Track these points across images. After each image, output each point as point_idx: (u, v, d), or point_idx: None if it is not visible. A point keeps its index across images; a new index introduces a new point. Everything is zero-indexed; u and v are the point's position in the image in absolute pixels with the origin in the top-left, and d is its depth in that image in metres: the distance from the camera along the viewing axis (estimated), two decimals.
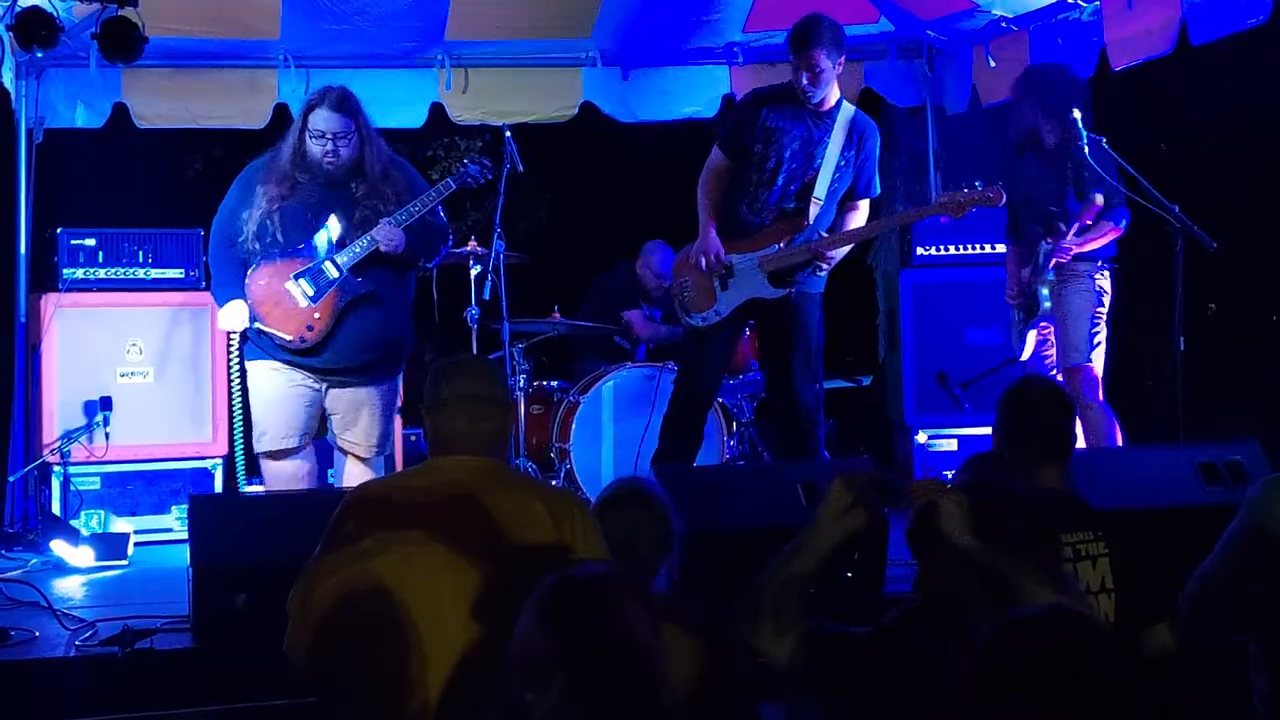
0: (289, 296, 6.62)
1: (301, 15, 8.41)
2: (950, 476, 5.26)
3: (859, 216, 7.16)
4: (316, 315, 6.62)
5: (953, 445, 8.69)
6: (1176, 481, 5.79)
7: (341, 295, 6.66)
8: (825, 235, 7.01)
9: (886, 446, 9.17)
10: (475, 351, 8.32)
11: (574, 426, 8.22)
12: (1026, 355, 7.35)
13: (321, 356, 6.71)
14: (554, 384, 8.82)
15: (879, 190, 7.28)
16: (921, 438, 8.77)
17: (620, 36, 9.09)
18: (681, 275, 7.27)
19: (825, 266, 7.01)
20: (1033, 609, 2.93)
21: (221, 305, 6.79)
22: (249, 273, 6.67)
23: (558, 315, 9.01)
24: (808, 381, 7.10)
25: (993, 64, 8.72)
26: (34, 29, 6.21)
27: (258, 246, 6.66)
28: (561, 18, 8.88)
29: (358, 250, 6.62)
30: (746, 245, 7.05)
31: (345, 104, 6.67)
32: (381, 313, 6.80)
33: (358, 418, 6.86)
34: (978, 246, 8.73)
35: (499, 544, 3.62)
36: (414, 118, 9.22)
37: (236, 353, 6.91)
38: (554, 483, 8.34)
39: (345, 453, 6.95)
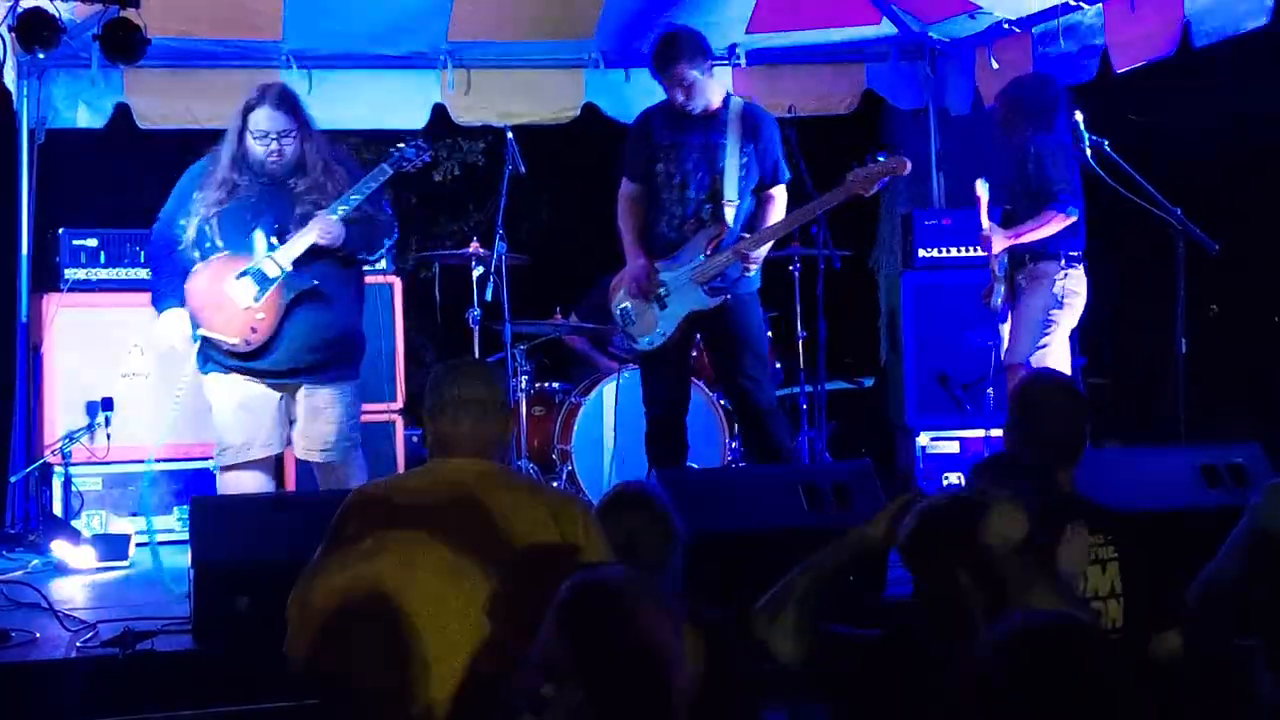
0: (229, 299, 6.39)
1: (304, 16, 8.41)
2: (960, 481, 5.24)
3: (777, 207, 7.15)
4: (260, 316, 6.39)
5: (954, 447, 8.69)
6: (1178, 483, 5.79)
7: (285, 292, 6.43)
8: (747, 236, 7.02)
9: (888, 448, 9.18)
10: (477, 353, 8.33)
11: (576, 428, 8.22)
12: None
13: (270, 358, 6.48)
14: (556, 385, 8.82)
15: (789, 175, 7.24)
16: (923, 440, 8.77)
17: (622, 38, 9.09)
18: (620, 303, 7.27)
19: (752, 268, 7.04)
20: (1036, 615, 2.93)
21: (159, 315, 6.57)
22: (189, 278, 6.48)
23: (559, 317, 9.01)
24: (762, 378, 7.14)
25: (995, 66, 8.72)
26: (35, 30, 6.20)
27: (196, 253, 6.46)
28: (564, 19, 8.89)
29: (297, 246, 6.41)
30: (674, 263, 7.08)
31: (286, 101, 6.50)
32: (329, 310, 6.57)
33: (314, 420, 6.63)
34: (980, 249, 8.72)
35: (502, 546, 3.62)
36: (416, 119, 9.19)
37: (192, 366, 6.64)
38: (555, 484, 8.34)
39: (303, 460, 6.84)
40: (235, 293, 6.39)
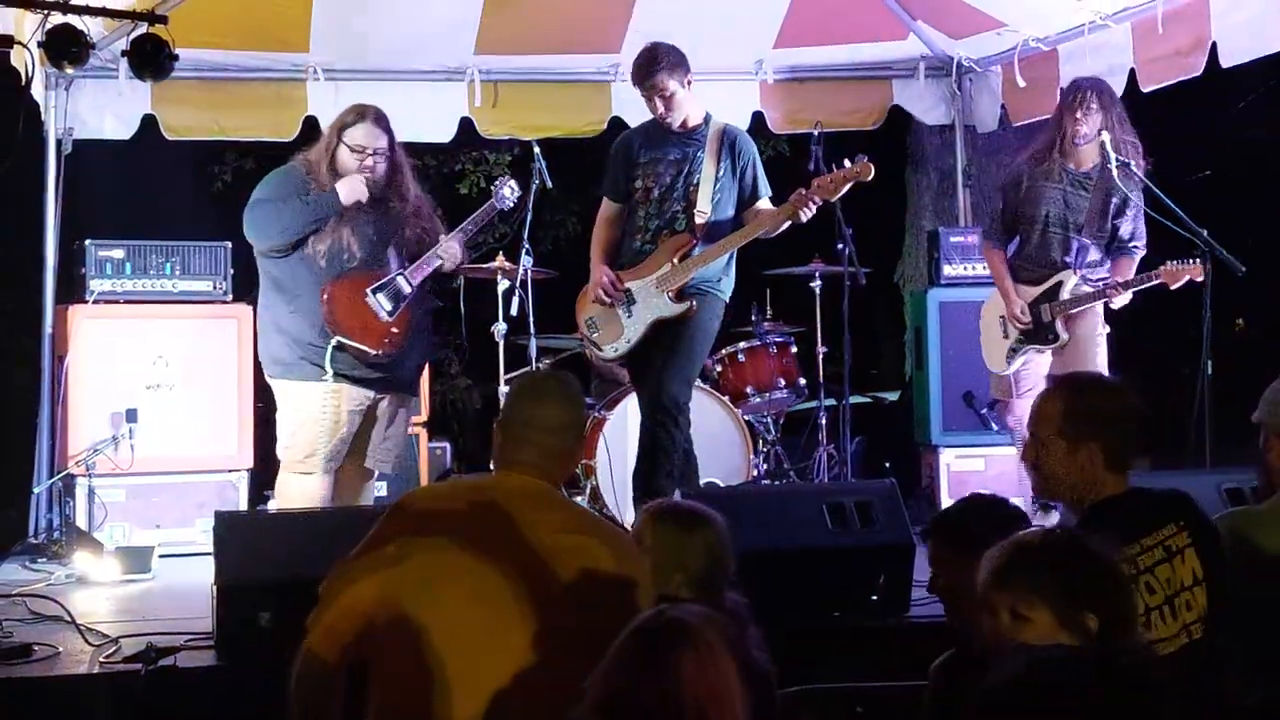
0: (369, 311, 6.65)
1: (332, 30, 8.43)
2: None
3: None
4: (394, 330, 6.68)
5: (980, 465, 8.66)
6: (1204, 506, 5.72)
7: (414, 310, 6.76)
8: (709, 247, 7.03)
9: (913, 465, 9.14)
10: (501, 369, 8.35)
11: (599, 442, 8.20)
12: (1010, 370, 7.34)
13: (398, 371, 6.83)
14: None
15: (769, 190, 7.24)
16: (947, 457, 8.73)
17: None
18: (587, 314, 7.32)
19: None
20: (1040, 649, 2.93)
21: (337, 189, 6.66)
22: (326, 285, 6.64)
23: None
24: (676, 378, 7.06)
25: (1022, 83, 8.70)
26: (65, 47, 6.19)
27: (324, 264, 6.64)
28: (591, 34, 8.89)
29: (426, 267, 6.74)
30: (641, 271, 7.10)
31: (382, 120, 6.76)
32: (428, 329, 6.99)
33: (395, 428, 6.96)
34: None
35: (540, 569, 3.52)
36: (443, 132, 9.24)
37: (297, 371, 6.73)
38: (578, 499, 8.32)
39: (370, 470, 6.99)
40: (373, 306, 6.65)
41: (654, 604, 3.32)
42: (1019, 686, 2.69)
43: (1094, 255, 7.28)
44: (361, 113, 6.76)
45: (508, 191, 7.17)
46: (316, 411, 6.68)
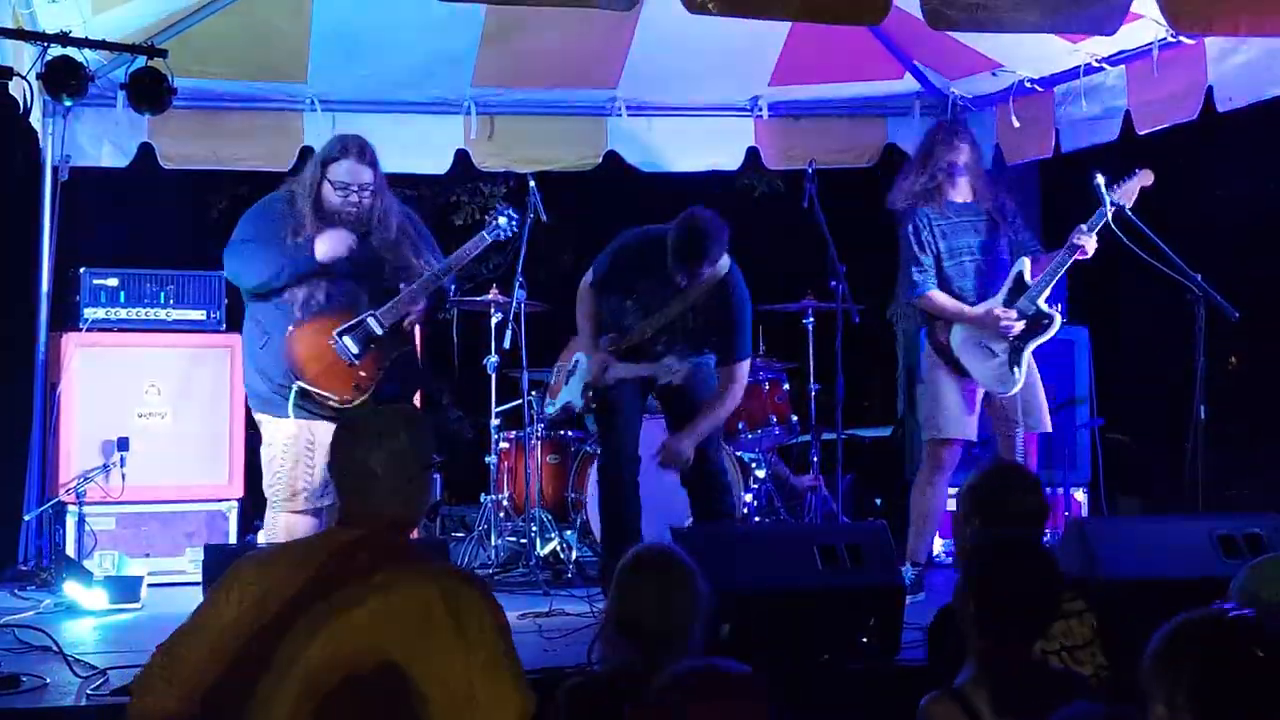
0: (331, 354, 6.57)
1: (329, 60, 8.43)
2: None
3: (721, 400, 7.25)
4: (363, 373, 6.58)
5: None
6: (1194, 552, 5.74)
7: (387, 350, 6.66)
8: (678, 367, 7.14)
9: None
10: (494, 401, 8.34)
11: (590, 477, 8.19)
12: (1020, 380, 7.28)
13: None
14: (570, 434, 8.80)
15: (749, 352, 7.35)
16: None
17: (646, 87, 9.12)
18: (574, 364, 7.70)
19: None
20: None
21: (322, 240, 6.59)
22: (291, 328, 6.58)
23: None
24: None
25: (1016, 124, 8.71)
26: (63, 79, 6.22)
27: (298, 308, 6.60)
28: (588, 68, 8.90)
29: (396, 308, 6.63)
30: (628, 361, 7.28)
31: (366, 155, 6.68)
32: (412, 361, 6.94)
33: None
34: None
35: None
36: (439, 163, 9.24)
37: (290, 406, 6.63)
38: (569, 533, 8.32)
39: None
40: (340, 349, 6.57)
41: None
42: None
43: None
44: (345, 147, 6.68)
45: (504, 221, 7.06)
46: (295, 447, 6.60)
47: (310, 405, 6.58)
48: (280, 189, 6.89)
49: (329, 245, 6.55)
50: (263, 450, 6.75)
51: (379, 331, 6.60)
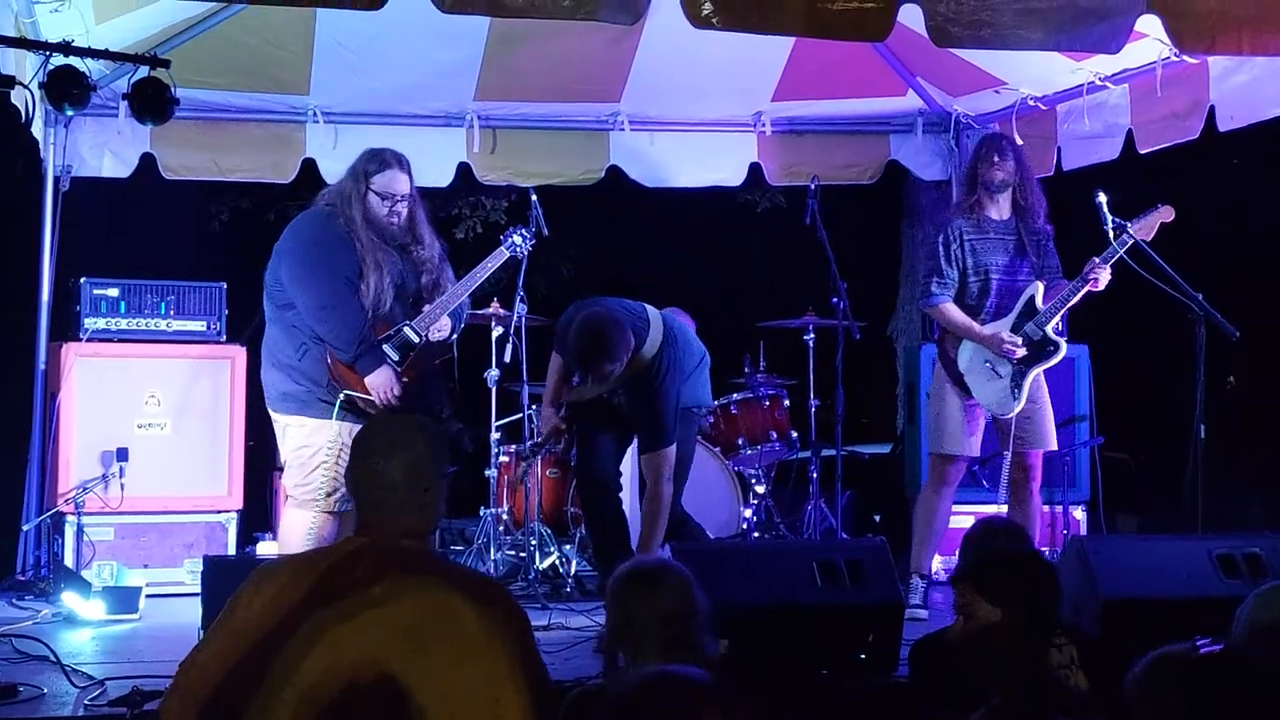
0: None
1: (332, 73, 8.45)
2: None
3: (648, 509, 7.22)
4: (404, 379, 6.62)
5: (969, 521, 8.58)
6: (1194, 572, 5.75)
7: (425, 359, 6.73)
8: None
9: (905, 520, 9.13)
10: (494, 415, 8.34)
11: None
12: (1021, 403, 7.25)
13: (409, 407, 6.67)
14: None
15: (670, 443, 7.24)
16: None
17: (648, 102, 9.13)
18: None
19: None
20: None
21: (374, 370, 6.54)
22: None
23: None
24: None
25: (1020, 141, 8.70)
26: (65, 88, 6.21)
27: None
28: (590, 83, 8.91)
29: (435, 315, 6.70)
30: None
31: (404, 164, 6.75)
32: (442, 374, 6.98)
33: None
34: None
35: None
36: (441, 176, 9.24)
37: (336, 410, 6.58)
38: (568, 547, 8.31)
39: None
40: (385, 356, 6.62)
41: None
42: None
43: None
44: (384, 159, 6.71)
45: (519, 239, 7.16)
46: (337, 447, 6.51)
47: (354, 410, 6.58)
48: (319, 207, 6.79)
49: (379, 385, 6.54)
50: (293, 451, 6.62)
51: (416, 340, 6.66)
